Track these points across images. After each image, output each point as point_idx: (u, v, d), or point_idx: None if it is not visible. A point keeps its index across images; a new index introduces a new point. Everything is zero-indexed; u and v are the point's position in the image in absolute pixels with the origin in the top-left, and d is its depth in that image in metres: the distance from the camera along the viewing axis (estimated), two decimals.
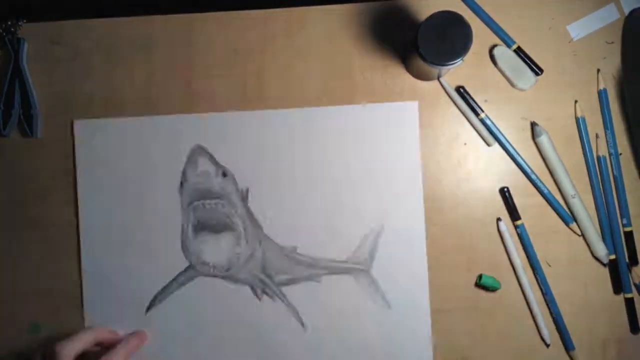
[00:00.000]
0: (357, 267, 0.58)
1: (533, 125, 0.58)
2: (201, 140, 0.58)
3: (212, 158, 0.58)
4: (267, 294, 0.58)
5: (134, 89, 0.58)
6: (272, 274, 0.58)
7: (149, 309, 0.58)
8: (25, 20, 0.58)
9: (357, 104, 0.58)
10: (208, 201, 0.57)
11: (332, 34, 0.59)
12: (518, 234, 0.58)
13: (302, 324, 0.58)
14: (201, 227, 0.58)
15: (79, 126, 0.58)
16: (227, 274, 0.58)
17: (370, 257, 0.58)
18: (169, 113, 0.58)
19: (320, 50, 0.58)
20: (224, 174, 0.57)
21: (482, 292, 0.58)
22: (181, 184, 0.58)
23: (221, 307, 0.58)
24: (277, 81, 0.58)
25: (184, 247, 0.58)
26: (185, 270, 0.58)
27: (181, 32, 0.58)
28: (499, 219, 0.58)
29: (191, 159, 0.58)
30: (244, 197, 0.58)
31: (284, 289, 0.58)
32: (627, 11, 0.58)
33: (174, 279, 0.58)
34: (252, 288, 0.58)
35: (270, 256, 0.58)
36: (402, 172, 0.58)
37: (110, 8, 0.59)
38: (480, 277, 0.57)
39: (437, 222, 0.58)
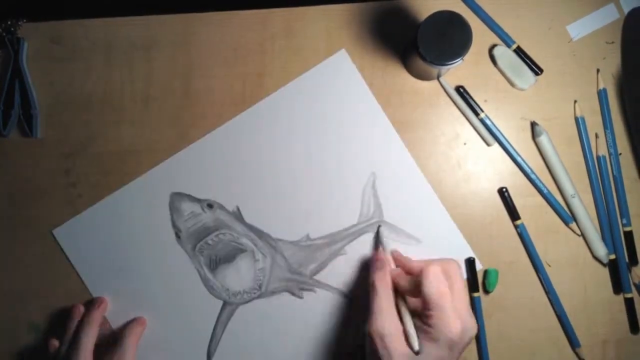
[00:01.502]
0: (371, 222, 0.58)
1: (533, 125, 0.58)
2: (172, 188, 0.58)
3: (190, 197, 0.58)
4: (305, 289, 0.58)
5: (133, 89, 0.58)
6: (300, 269, 0.58)
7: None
8: (25, 20, 0.58)
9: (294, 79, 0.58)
10: (209, 237, 0.58)
11: (332, 33, 0.59)
12: (518, 234, 0.58)
13: (350, 298, 0.58)
14: (215, 263, 0.58)
15: (60, 234, 0.58)
16: (262, 292, 0.58)
17: (376, 206, 0.58)
18: (167, 111, 0.58)
19: (320, 50, 0.58)
20: (209, 205, 0.57)
21: (481, 292, 0.58)
22: (177, 235, 0.58)
23: (273, 323, 0.58)
24: (277, 81, 0.58)
25: (210, 289, 0.58)
26: (222, 308, 0.58)
27: (181, 32, 0.58)
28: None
29: (173, 208, 0.58)
30: (239, 216, 0.58)
31: (317, 277, 0.58)
32: (626, 11, 0.59)
33: (216, 323, 0.58)
34: (290, 291, 0.58)
35: (290, 254, 0.58)
36: (367, 118, 0.58)
37: (110, 8, 0.59)
38: (486, 272, 0.58)
39: None
